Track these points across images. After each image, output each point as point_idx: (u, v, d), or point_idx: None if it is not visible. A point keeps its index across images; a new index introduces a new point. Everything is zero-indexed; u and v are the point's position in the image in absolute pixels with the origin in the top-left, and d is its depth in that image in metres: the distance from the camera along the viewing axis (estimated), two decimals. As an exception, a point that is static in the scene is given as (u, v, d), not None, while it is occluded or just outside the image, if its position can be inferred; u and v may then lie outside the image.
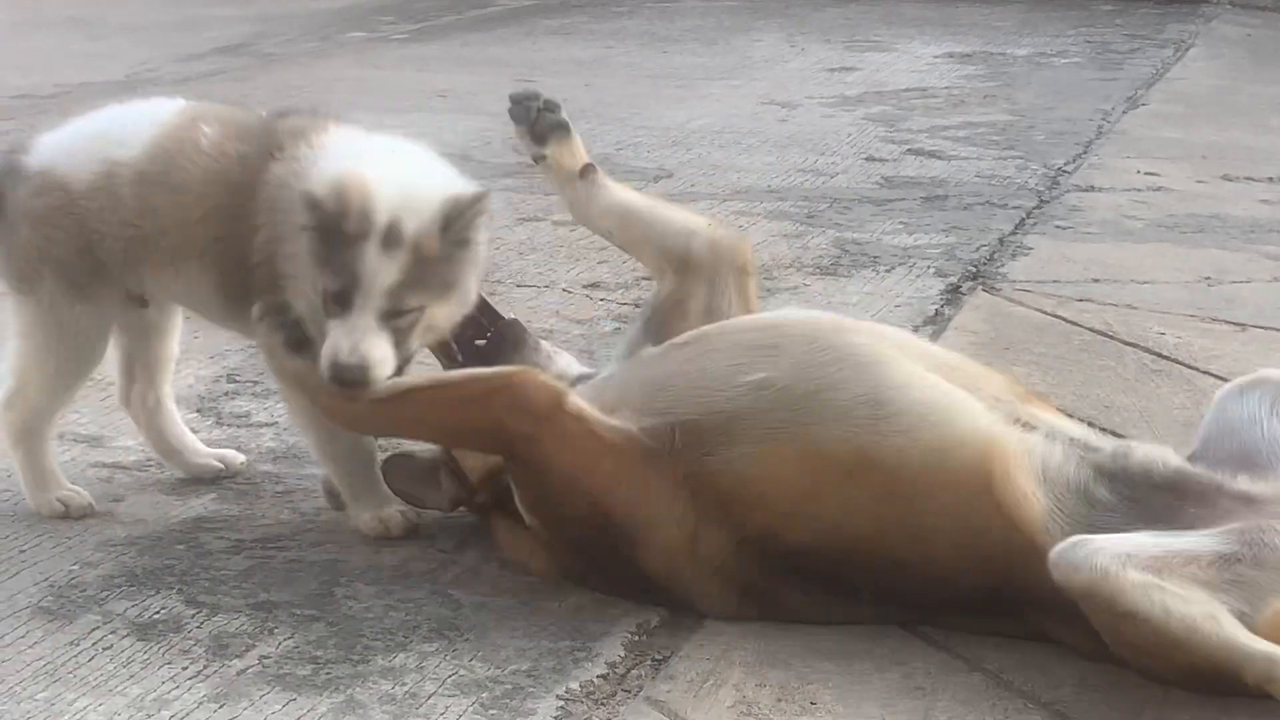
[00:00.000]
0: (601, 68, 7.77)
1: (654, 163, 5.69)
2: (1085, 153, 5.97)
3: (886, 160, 5.78)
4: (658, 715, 2.31)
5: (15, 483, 2.95)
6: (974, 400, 2.35)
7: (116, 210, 2.71)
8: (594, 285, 4.21)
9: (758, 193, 5.28)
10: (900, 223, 4.91)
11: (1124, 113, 6.81)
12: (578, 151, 2.86)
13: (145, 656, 2.40)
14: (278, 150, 2.65)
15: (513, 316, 2.85)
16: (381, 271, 2.48)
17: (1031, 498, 2.28)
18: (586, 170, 2.84)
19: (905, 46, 8.49)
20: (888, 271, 4.41)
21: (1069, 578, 2.17)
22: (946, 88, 7.30)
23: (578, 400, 2.42)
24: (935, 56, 8.17)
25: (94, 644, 2.43)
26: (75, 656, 2.39)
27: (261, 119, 2.77)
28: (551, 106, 2.88)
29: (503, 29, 8.95)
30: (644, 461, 2.38)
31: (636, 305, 4.06)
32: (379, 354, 2.50)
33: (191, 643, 2.44)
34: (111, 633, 2.46)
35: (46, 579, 2.61)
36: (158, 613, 2.52)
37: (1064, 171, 5.66)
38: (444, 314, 2.57)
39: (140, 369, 2.93)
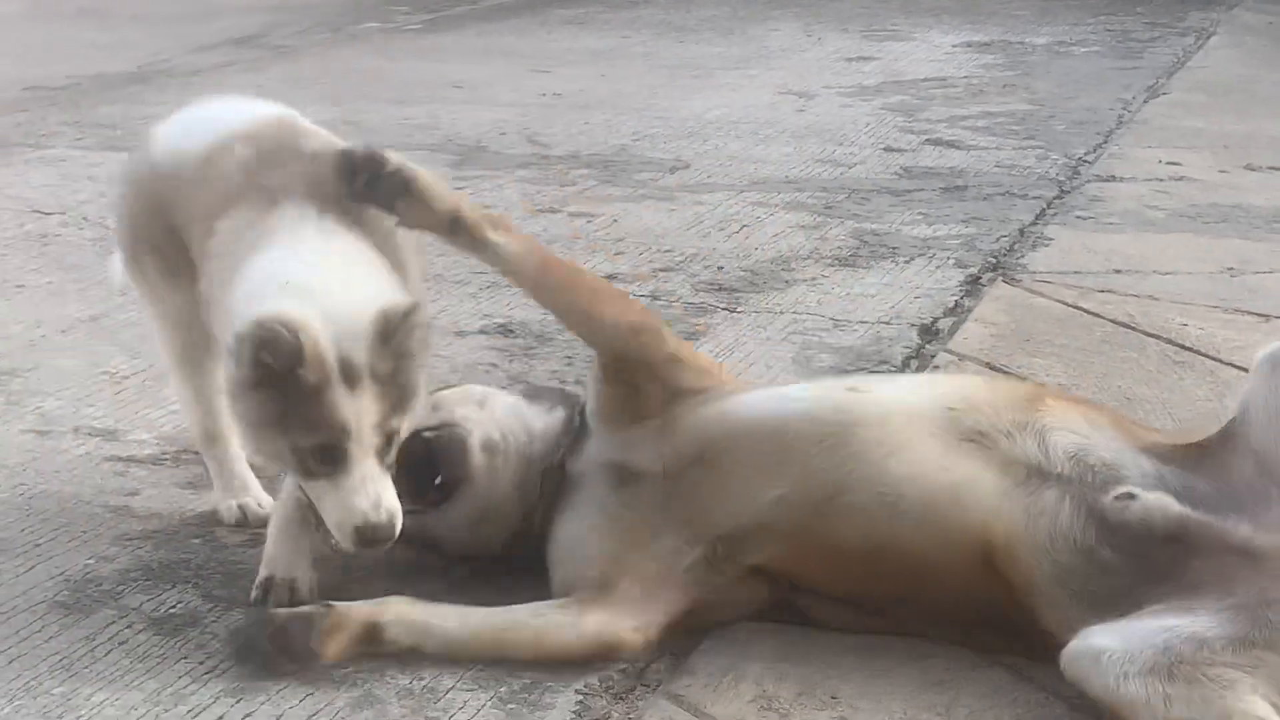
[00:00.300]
0: (617, 58, 7.75)
1: (670, 154, 5.66)
2: (1106, 142, 5.93)
3: (905, 150, 5.75)
4: (677, 710, 2.29)
5: (30, 477, 2.95)
6: (983, 471, 2.32)
7: (174, 211, 2.60)
8: (611, 277, 4.17)
9: (775, 183, 5.26)
10: (919, 213, 4.88)
11: (1145, 102, 6.77)
12: (435, 198, 2.46)
13: (162, 651, 2.38)
14: (236, 209, 2.44)
15: (440, 429, 2.53)
16: (367, 411, 2.27)
17: (1034, 575, 2.30)
18: (453, 225, 2.48)
19: (923, 35, 8.47)
20: (907, 263, 4.38)
21: (1081, 685, 2.19)
22: (965, 77, 7.27)
23: (653, 629, 2.37)
24: (954, 45, 8.14)
25: (110, 638, 2.41)
26: (91, 651, 2.38)
27: (291, 161, 2.51)
28: (374, 165, 2.44)
29: (517, 19, 8.93)
30: (699, 588, 2.41)
31: (654, 298, 4.05)
32: (396, 501, 2.29)
33: (208, 637, 2.42)
34: (128, 627, 2.44)
35: (62, 573, 2.60)
36: (174, 607, 2.51)
37: (1084, 161, 5.62)
38: (408, 425, 2.36)
39: None
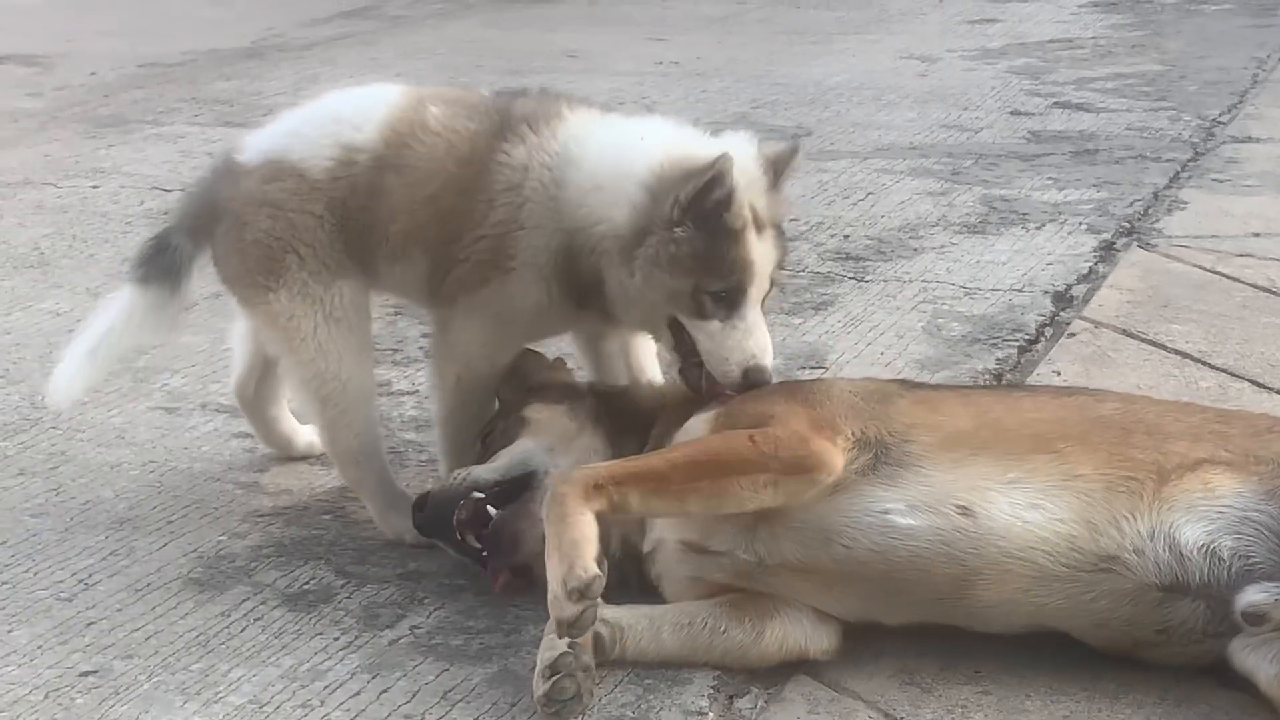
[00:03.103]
0: (734, 24, 7.67)
1: (792, 121, 5.58)
2: (1241, 102, 5.76)
3: (1032, 114, 5.63)
4: (817, 686, 2.25)
5: (159, 454, 2.96)
6: (1115, 606, 2.24)
7: (355, 195, 2.59)
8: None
9: (900, 150, 5.16)
10: (1049, 178, 4.77)
11: (1280, 60, 6.58)
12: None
13: (297, 627, 2.37)
14: (512, 132, 2.53)
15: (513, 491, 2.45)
16: (768, 257, 2.42)
17: (1170, 658, 2.30)
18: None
19: (1046, -4, 8.29)
20: (1038, 229, 4.27)
21: (1250, 678, 2.21)
22: (1092, 38, 7.10)
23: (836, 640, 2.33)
24: (1080, 5, 7.95)
25: (245, 615, 2.41)
26: (227, 627, 2.38)
27: (488, 98, 2.67)
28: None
29: (631, -12, 8.87)
30: None
31: (781, 267, 3.97)
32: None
33: (342, 613, 2.41)
34: (262, 603, 2.44)
35: (195, 550, 2.60)
36: (307, 583, 2.50)
37: (1219, 122, 5.46)
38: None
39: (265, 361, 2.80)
